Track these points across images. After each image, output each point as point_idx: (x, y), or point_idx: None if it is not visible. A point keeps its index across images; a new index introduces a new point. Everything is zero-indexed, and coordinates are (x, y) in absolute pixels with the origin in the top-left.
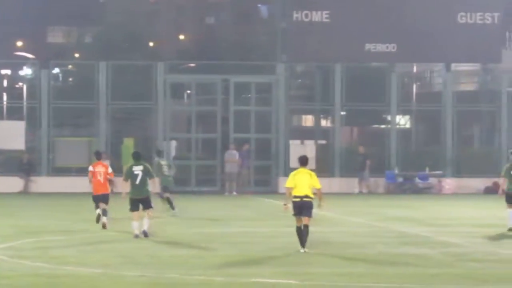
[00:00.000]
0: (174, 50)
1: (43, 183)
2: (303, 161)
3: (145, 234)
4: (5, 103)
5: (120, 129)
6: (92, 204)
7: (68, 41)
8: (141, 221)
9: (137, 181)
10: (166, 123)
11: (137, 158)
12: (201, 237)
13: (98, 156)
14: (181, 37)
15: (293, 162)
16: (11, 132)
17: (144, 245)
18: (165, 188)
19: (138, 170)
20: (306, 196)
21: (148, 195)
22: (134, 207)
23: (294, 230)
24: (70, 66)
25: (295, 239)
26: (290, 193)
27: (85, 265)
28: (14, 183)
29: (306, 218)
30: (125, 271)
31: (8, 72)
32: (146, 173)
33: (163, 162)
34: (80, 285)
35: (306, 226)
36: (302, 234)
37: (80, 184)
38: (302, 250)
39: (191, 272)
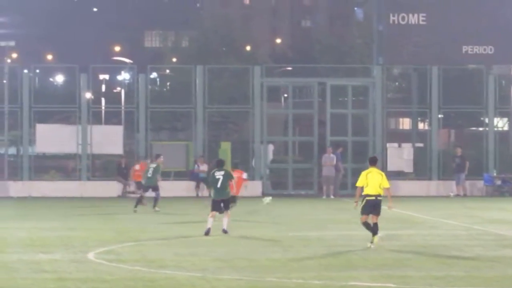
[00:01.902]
0: (270, 54)
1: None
2: (374, 161)
3: (225, 231)
4: (103, 107)
5: (217, 133)
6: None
7: (165, 46)
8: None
9: (219, 185)
10: (263, 127)
11: (221, 165)
12: (299, 240)
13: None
14: (277, 40)
15: (391, 165)
16: (109, 137)
17: (241, 249)
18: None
19: (219, 175)
20: (379, 195)
21: (229, 197)
22: (215, 207)
23: (388, 233)
24: (167, 71)
25: (391, 242)
26: (361, 192)
27: (183, 268)
28: (112, 188)
29: (376, 216)
30: (223, 275)
31: (106, 77)
32: (227, 177)
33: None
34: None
35: (376, 224)
36: (374, 228)
37: (178, 187)
38: (372, 245)
39: (289, 276)
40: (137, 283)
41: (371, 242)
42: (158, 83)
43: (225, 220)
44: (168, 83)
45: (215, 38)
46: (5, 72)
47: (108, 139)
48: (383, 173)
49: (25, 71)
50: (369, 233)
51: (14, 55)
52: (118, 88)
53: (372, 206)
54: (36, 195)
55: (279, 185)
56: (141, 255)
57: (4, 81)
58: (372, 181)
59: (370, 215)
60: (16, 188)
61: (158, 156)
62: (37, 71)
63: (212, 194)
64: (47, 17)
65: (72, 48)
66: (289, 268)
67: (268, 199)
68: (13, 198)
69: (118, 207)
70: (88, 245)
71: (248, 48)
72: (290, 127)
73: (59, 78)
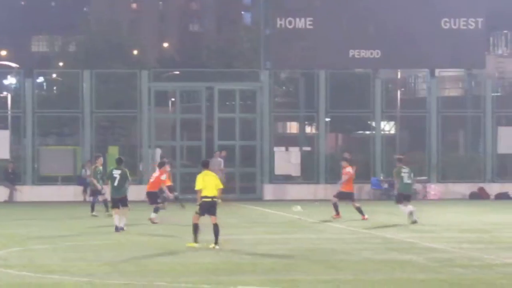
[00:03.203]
0: (157, 58)
1: (28, 192)
2: (206, 164)
3: (119, 229)
4: None
5: (105, 138)
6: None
7: (52, 50)
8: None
9: (115, 183)
10: (151, 131)
11: (119, 163)
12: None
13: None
14: (165, 44)
15: (278, 169)
16: None
17: (129, 253)
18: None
19: (116, 173)
20: (215, 197)
21: (125, 195)
22: (114, 204)
23: (277, 237)
24: (54, 75)
25: (280, 245)
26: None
27: (70, 273)
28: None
29: (215, 217)
30: (110, 280)
31: None
32: (124, 177)
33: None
34: None
35: (216, 225)
36: (215, 232)
37: (65, 193)
38: (216, 247)
39: (178, 280)
40: None
41: (215, 244)
42: (45, 87)
43: (122, 218)
44: (55, 88)
45: (103, 43)
46: None
47: None
48: (215, 175)
49: None
50: (257, 237)
51: None
52: (5, 93)
53: (209, 207)
54: None
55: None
56: (28, 260)
57: None
58: (209, 183)
59: (209, 217)
60: None
61: (98, 157)
62: None
63: (110, 192)
64: None
65: None
66: (177, 273)
67: (298, 208)
68: None
69: (5, 212)
70: None
71: (135, 52)
72: (178, 132)
73: None
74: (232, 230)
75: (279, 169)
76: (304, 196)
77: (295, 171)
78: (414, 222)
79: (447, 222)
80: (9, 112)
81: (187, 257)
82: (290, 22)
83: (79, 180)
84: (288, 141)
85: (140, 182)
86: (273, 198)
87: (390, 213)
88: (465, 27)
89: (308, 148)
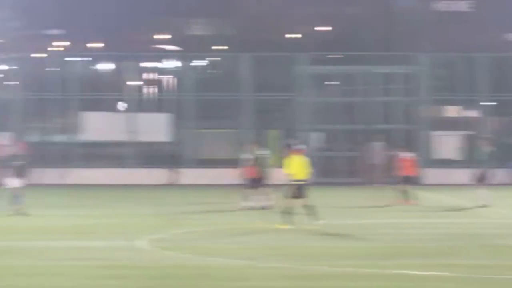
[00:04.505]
0: (315, 42)
1: (188, 175)
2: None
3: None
4: (151, 95)
5: (263, 121)
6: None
7: (211, 33)
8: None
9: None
10: (308, 115)
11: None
12: (341, 228)
13: None
14: (322, 28)
15: (438, 153)
16: (156, 125)
17: (289, 236)
18: None
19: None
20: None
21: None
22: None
23: (436, 221)
24: (213, 58)
25: (439, 230)
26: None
27: (232, 256)
28: (160, 175)
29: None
30: (272, 263)
31: (153, 65)
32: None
33: None
34: (227, 277)
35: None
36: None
37: (226, 175)
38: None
39: (337, 263)
40: (187, 271)
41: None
42: (204, 71)
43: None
44: (214, 71)
45: (260, 25)
46: (53, 60)
47: (155, 127)
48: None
49: (72, 59)
50: (415, 221)
51: (62, 43)
52: (165, 76)
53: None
54: (86, 182)
55: (327, 173)
56: (191, 242)
57: (51, 69)
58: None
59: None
60: (66, 175)
61: (254, 141)
62: (84, 59)
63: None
64: (95, 4)
65: (119, 36)
66: (337, 256)
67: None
68: (62, 185)
69: (166, 195)
70: (138, 232)
71: (293, 35)
72: (336, 115)
73: (106, 66)
74: (391, 214)
75: (440, 153)
76: (465, 180)
77: (456, 155)
78: None
79: None
80: (169, 96)
81: (342, 241)
82: (449, 5)
83: (239, 163)
84: (447, 125)
85: None
86: (434, 182)
87: None
88: None
89: (470, 132)
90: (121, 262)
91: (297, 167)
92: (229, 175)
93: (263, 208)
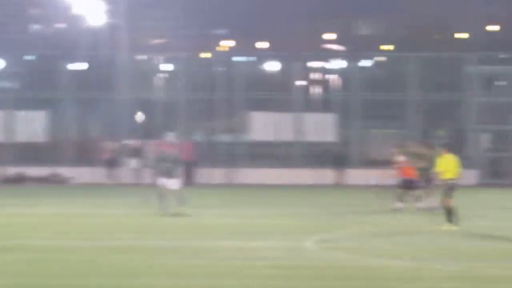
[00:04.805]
0: (484, 41)
1: (355, 175)
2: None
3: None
4: (317, 95)
5: (429, 122)
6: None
7: (378, 33)
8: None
9: None
10: (476, 115)
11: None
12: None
13: None
14: (492, 27)
15: None
16: (323, 125)
17: (455, 237)
18: None
19: None
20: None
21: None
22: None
23: None
24: (379, 58)
25: None
26: None
27: (399, 258)
28: (326, 176)
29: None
30: (441, 264)
31: (319, 64)
32: None
33: None
34: (397, 278)
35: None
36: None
37: (392, 176)
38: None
39: (509, 266)
40: (351, 272)
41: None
42: (371, 70)
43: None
44: (380, 71)
45: (426, 26)
46: (219, 60)
47: (322, 127)
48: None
49: (239, 59)
50: None
51: (227, 43)
52: (331, 76)
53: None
54: (251, 182)
55: (495, 175)
56: (358, 244)
57: (218, 69)
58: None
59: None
60: (232, 175)
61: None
62: (250, 59)
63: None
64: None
65: (285, 36)
66: (507, 258)
67: None
68: (228, 185)
69: (333, 195)
70: (303, 232)
71: (461, 35)
72: (504, 116)
73: (273, 66)
74: None
75: None
76: None
77: None
78: None
79: None
80: (335, 96)
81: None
82: None
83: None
84: None
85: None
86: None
87: None
88: None
89: None
90: (287, 263)
91: (447, 166)
92: (394, 176)
93: (430, 209)
